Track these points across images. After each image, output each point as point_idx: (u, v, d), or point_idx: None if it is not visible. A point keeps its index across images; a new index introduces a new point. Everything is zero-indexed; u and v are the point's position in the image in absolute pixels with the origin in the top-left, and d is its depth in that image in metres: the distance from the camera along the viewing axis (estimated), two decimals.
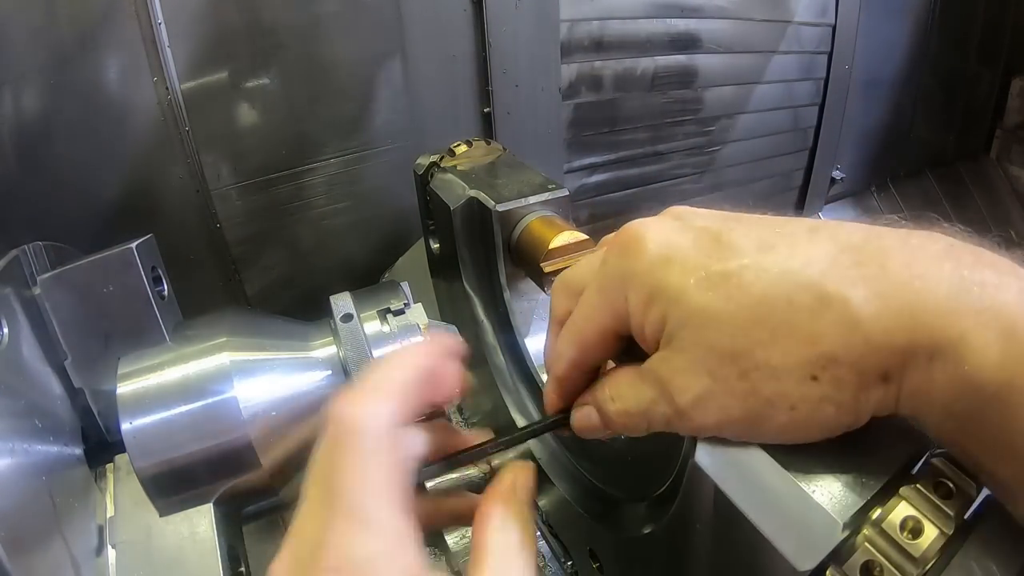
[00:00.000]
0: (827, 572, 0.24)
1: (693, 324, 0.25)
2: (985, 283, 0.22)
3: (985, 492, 0.25)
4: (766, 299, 0.23)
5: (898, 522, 0.24)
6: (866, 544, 0.24)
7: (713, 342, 0.24)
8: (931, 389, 0.22)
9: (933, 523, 0.24)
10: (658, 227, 0.28)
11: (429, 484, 0.36)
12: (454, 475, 0.70)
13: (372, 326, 0.45)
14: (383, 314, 0.46)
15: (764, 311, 0.23)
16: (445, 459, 0.32)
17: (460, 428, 0.34)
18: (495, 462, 0.70)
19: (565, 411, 0.33)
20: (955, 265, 0.22)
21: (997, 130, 1.84)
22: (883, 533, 0.24)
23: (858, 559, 0.24)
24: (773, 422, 0.24)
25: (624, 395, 0.29)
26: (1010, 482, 0.22)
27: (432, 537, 0.72)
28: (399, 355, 0.29)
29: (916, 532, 0.24)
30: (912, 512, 0.24)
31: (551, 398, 0.33)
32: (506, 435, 0.33)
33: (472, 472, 0.71)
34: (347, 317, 0.45)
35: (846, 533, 0.24)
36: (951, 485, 0.25)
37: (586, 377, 0.32)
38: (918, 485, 0.25)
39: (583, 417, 0.31)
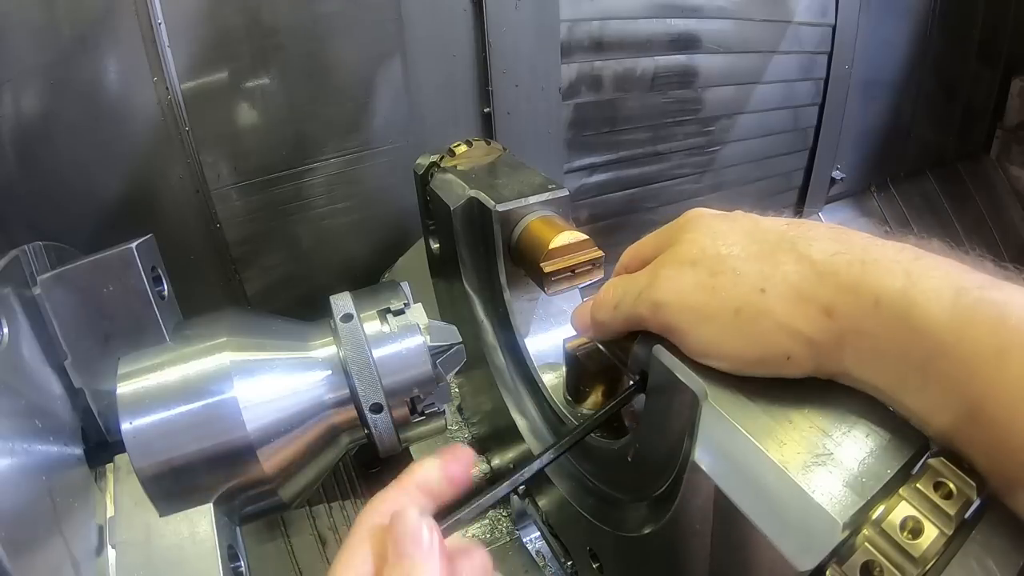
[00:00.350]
0: (827, 572, 0.24)
1: (698, 228, 0.32)
2: (938, 261, 0.24)
3: (985, 492, 0.25)
4: (753, 233, 0.30)
5: (898, 522, 0.24)
6: (866, 544, 0.24)
7: (705, 243, 0.31)
8: (877, 333, 0.24)
9: (933, 523, 0.24)
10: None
11: None
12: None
13: (372, 326, 0.45)
14: (383, 314, 0.46)
15: (747, 239, 0.30)
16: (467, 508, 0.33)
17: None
18: (495, 461, 0.70)
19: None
20: (913, 252, 0.25)
21: (997, 130, 1.84)
22: (883, 533, 0.24)
23: (858, 559, 0.24)
24: (718, 320, 0.28)
25: (612, 286, 0.36)
26: (954, 435, 0.24)
27: None
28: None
29: (916, 532, 0.24)
30: (912, 512, 0.24)
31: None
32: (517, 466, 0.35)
33: (472, 472, 0.71)
34: (347, 317, 0.45)
35: (846, 533, 0.24)
36: (951, 485, 0.25)
37: None
38: (918, 485, 0.25)
39: (578, 314, 0.39)
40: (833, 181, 1.57)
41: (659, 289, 0.31)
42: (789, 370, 0.27)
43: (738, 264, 0.28)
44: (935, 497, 0.24)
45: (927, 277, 0.23)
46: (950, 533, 0.24)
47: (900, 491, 0.25)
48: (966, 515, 0.25)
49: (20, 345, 0.41)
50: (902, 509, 0.25)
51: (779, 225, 0.30)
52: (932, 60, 1.62)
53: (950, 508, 0.24)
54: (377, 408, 0.43)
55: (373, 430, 0.44)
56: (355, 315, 0.45)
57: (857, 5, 1.38)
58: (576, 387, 0.51)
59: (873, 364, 0.25)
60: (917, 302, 0.23)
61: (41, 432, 0.40)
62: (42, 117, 0.71)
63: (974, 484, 0.25)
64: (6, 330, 0.40)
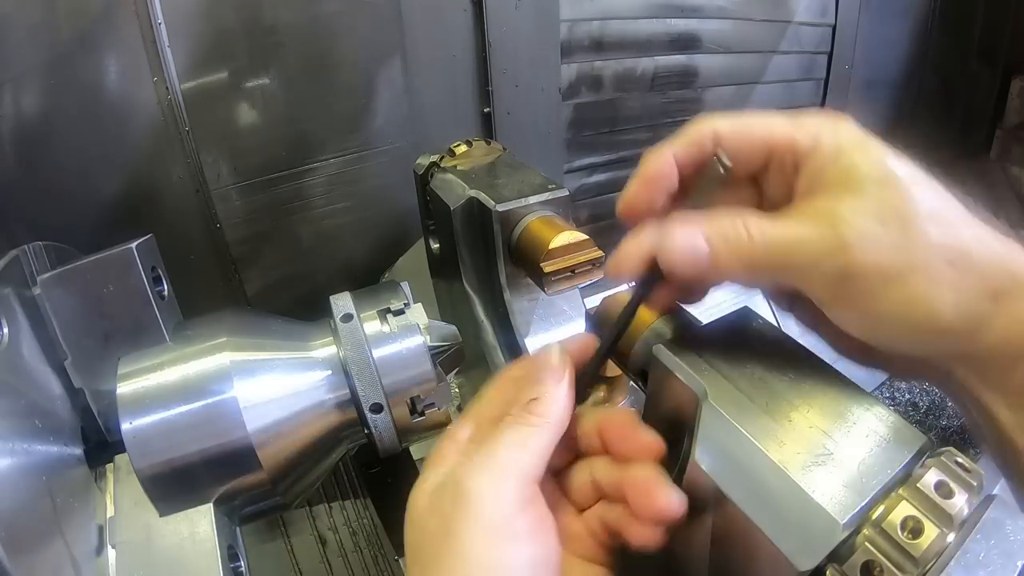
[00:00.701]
0: (827, 572, 0.24)
1: (882, 183, 0.28)
2: None
3: (985, 492, 0.25)
4: (935, 197, 0.29)
5: (898, 522, 0.24)
6: (866, 544, 0.24)
7: (895, 202, 0.27)
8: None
9: (933, 523, 0.24)
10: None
11: None
12: None
13: (372, 326, 0.45)
14: (383, 314, 0.46)
15: (934, 200, 0.28)
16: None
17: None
18: None
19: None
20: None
21: (997, 130, 1.84)
22: (883, 533, 0.24)
23: (858, 559, 0.24)
24: (907, 284, 0.27)
25: (765, 226, 0.29)
26: None
27: None
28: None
29: (916, 532, 0.24)
30: (912, 512, 0.24)
31: (632, 194, 0.32)
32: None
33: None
34: (347, 317, 0.45)
35: (846, 533, 0.24)
36: (951, 485, 0.25)
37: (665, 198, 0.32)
38: (918, 485, 0.25)
39: (685, 241, 0.29)
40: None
41: (849, 250, 0.27)
42: (937, 347, 0.28)
43: (933, 226, 0.28)
44: (935, 497, 0.24)
45: None
46: (950, 533, 0.24)
47: (900, 491, 0.25)
48: (966, 515, 0.25)
49: (20, 345, 0.41)
50: (902, 509, 0.25)
51: (947, 193, 0.30)
52: (932, 60, 1.62)
53: (950, 508, 0.24)
54: (377, 408, 0.43)
55: (373, 430, 0.44)
56: (355, 315, 0.45)
57: (857, 5, 1.38)
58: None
59: (1001, 370, 0.28)
60: None
61: (41, 432, 0.40)
62: (42, 117, 0.71)
63: (975, 484, 0.25)
64: (6, 330, 0.40)
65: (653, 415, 0.36)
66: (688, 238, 0.29)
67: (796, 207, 0.29)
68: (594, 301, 0.47)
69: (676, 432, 0.32)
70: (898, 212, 0.27)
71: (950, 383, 0.30)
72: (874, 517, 0.25)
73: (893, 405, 1.39)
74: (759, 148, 0.31)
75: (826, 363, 0.32)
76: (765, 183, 0.32)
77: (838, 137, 0.29)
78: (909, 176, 0.28)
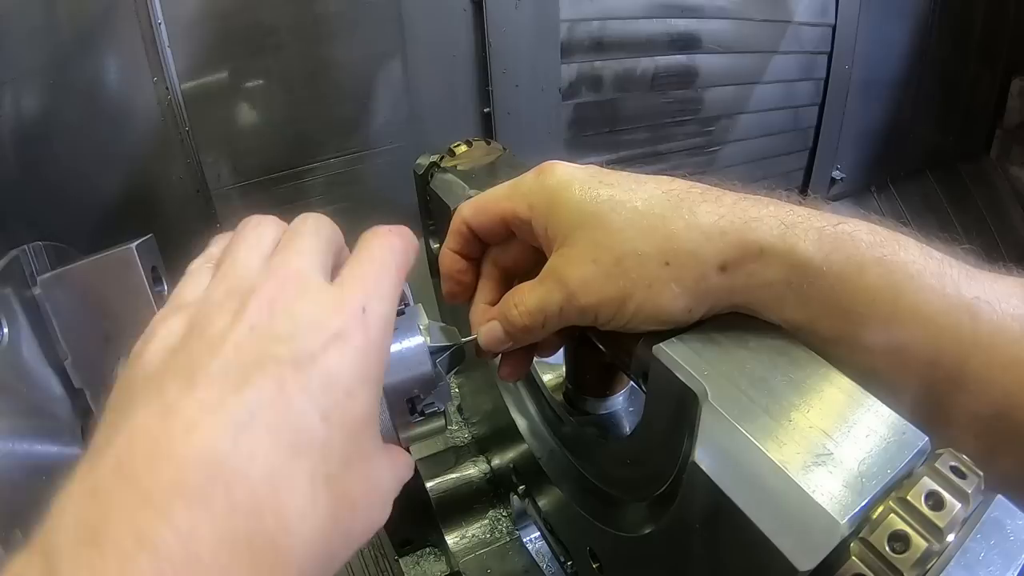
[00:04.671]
0: (827, 572, 0.24)
1: (586, 226, 0.33)
2: (800, 210, 0.31)
3: (986, 492, 0.25)
4: (638, 211, 0.32)
5: (898, 522, 0.24)
6: (866, 544, 0.24)
7: (599, 239, 0.32)
8: (765, 274, 0.30)
9: (934, 523, 0.24)
10: (564, 164, 0.36)
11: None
12: (454, 475, 0.70)
13: None
14: None
15: (636, 217, 0.32)
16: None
17: None
18: (495, 461, 0.70)
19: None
20: (777, 208, 0.31)
21: (997, 130, 1.84)
22: (883, 533, 0.24)
23: (859, 559, 0.24)
24: (635, 299, 0.31)
25: (525, 297, 0.35)
26: (837, 336, 0.31)
27: (433, 536, 0.72)
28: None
29: (916, 532, 0.24)
30: (912, 512, 0.24)
31: (448, 290, 0.41)
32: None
33: (472, 472, 0.71)
34: None
35: (846, 533, 0.24)
36: (952, 485, 0.25)
37: (471, 269, 0.40)
38: (919, 485, 0.25)
39: (489, 331, 0.38)
40: (833, 181, 1.57)
41: (576, 296, 0.33)
42: (689, 320, 0.32)
43: (641, 243, 0.31)
44: (936, 497, 0.24)
45: (796, 224, 0.30)
46: (951, 533, 0.24)
47: (901, 491, 0.25)
48: (967, 515, 0.25)
49: (20, 345, 0.41)
50: (903, 509, 0.25)
51: (656, 192, 0.33)
52: (932, 60, 1.62)
53: (951, 508, 0.24)
54: None
55: None
56: None
57: (857, 5, 1.38)
58: (576, 374, 0.51)
59: (760, 294, 0.31)
60: (792, 243, 0.30)
61: (41, 432, 0.40)
62: (42, 117, 0.71)
63: (975, 484, 0.25)
64: (6, 330, 0.40)
65: (653, 415, 0.36)
66: (488, 327, 0.38)
67: (543, 270, 0.35)
68: None
69: (676, 432, 0.32)
70: (605, 246, 0.32)
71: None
72: (875, 517, 0.25)
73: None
74: (498, 223, 0.37)
75: (826, 363, 0.32)
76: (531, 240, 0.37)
77: (546, 195, 0.35)
78: (608, 204, 0.32)
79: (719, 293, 0.31)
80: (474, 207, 0.38)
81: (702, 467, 0.29)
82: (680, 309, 0.32)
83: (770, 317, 0.32)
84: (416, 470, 0.71)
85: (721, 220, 0.31)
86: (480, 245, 0.40)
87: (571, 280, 0.33)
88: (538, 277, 0.35)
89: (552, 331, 0.36)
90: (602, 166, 0.35)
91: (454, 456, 0.72)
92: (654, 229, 0.31)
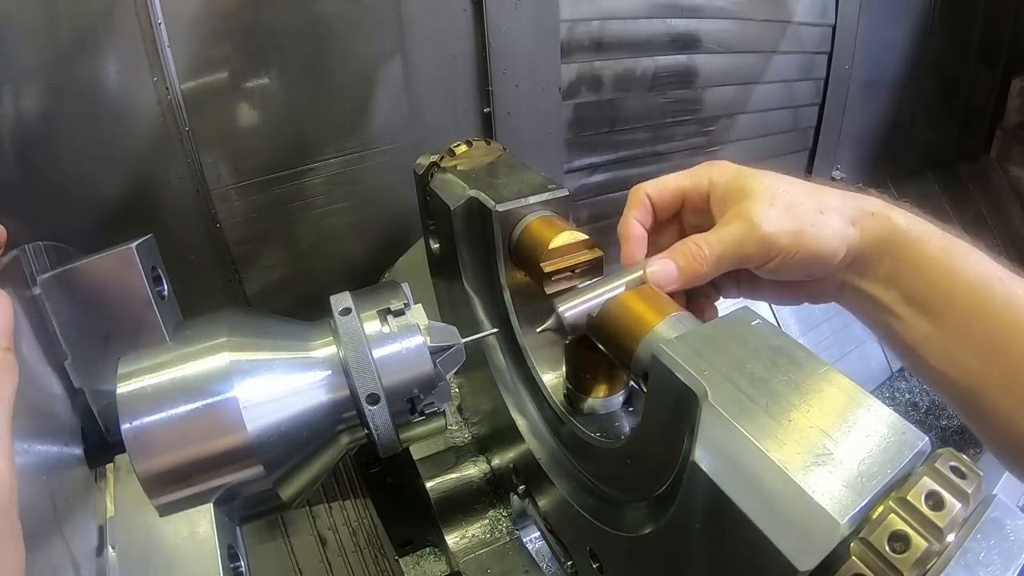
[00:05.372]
0: (827, 572, 0.24)
1: (761, 186, 0.45)
2: (888, 200, 0.46)
3: (985, 492, 0.25)
4: (794, 183, 0.46)
5: (898, 522, 0.24)
6: (866, 544, 0.24)
7: (775, 192, 0.44)
8: (875, 230, 0.45)
9: (934, 523, 0.24)
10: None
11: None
12: (454, 475, 0.70)
13: (372, 326, 0.45)
14: (383, 314, 0.46)
15: (796, 186, 0.46)
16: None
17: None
18: (495, 461, 0.70)
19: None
20: (873, 195, 0.47)
21: (997, 130, 1.84)
22: (883, 533, 0.24)
23: (858, 559, 0.24)
24: (803, 235, 0.43)
25: (708, 237, 0.45)
26: (918, 295, 0.44)
27: (433, 536, 0.72)
28: None
29: (916, 532, 0.24)
30: (912, 512, 0.24)
31: (627, 251, 0.49)
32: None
33: (472, 472, 0.71)
34: (346, 311, 0.45)
35: (846, 533, 0.24)
36: (952, 485, 0.25)
37: (646, 237, 0.49)
38: (919, 485, 0.25)
39: (662, 267, 0.45)
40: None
41: (764, 224, 0.43)
42: (833, 260, 0.44)
43: (802, 199, 0.44)
44: (935, 498, 0.24)
45: (890, 203, 0.46)
46: (950, 533, 0.24)
47: (901, 491, 0.25)
48: (966, 515, 0.25)
49: (20, 345, 0.41)
50: (902, 509, 0.25)
51: (799, 179, 0.46)
52: (932, 60, 1.62)
53: (950, 509, 0.24)
54: (374, 399, 0.43)
55: (370, 423, 0.44)
56: (353, 309, 0.45)
57: (857, 5, 1.38)
58: (576, 374, 0.51)
59: (870, 250, 0.45)
60: (889, 212, 0.45)
61: (41, 432, 0.40)
62: (42, 117, 0.71)
63: (975, 485, 0.25)
64: None
65: (653, 415, 0.36)
66: (661, 264, 0.45)
67: (720, 222, 0.45)
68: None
69: (676, 432, 0.32)
70: (779, 198, 0.44)
71: (845, 292, 0.48)
72: (874, 517, 0.25)
73: (893, 405, 1.39)
74: (675, 196, 0.49)
75: (826, 363, 0.32)
76: (684, 220, 0.51)
77: (722, 173, 0.47)
78: (774, 176, 0.46)
79: (851, 240, 0.44)
80: (655, 184, 0.49)
81: (702, 467, 0.29)
82: (832, 249, 0.43)
83: (875, 271, 0.45)
84: (416, 470, 0.71)
85: (845, 195, 0.46)
86: (653, 217, 0.49)
87: (755, 215, 0.43)
88: (717, 227, 0.45)
89: (721, 271, 0.45)
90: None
91: (454, 456, 0.72)
92: (809, 192, 0.45)
